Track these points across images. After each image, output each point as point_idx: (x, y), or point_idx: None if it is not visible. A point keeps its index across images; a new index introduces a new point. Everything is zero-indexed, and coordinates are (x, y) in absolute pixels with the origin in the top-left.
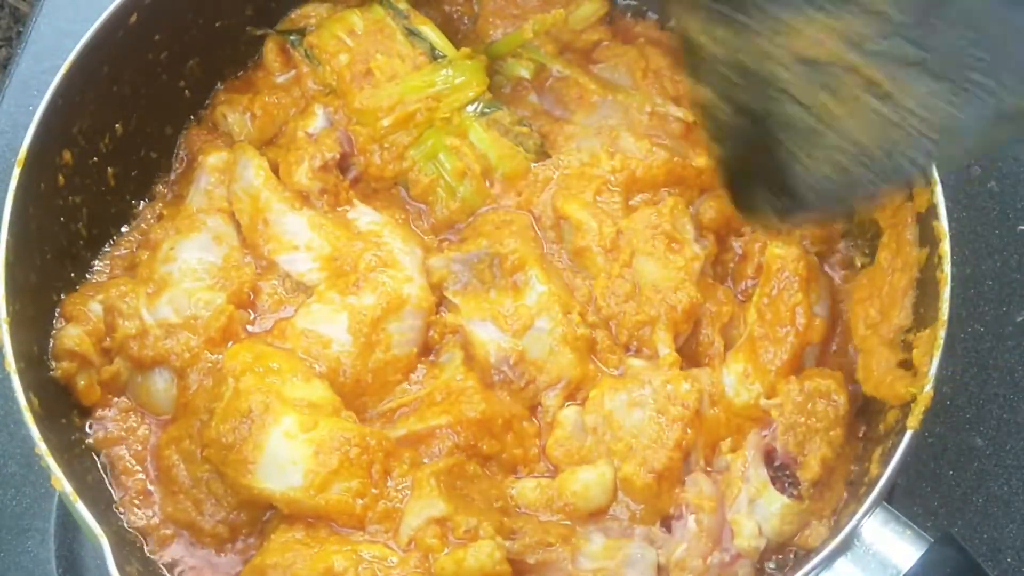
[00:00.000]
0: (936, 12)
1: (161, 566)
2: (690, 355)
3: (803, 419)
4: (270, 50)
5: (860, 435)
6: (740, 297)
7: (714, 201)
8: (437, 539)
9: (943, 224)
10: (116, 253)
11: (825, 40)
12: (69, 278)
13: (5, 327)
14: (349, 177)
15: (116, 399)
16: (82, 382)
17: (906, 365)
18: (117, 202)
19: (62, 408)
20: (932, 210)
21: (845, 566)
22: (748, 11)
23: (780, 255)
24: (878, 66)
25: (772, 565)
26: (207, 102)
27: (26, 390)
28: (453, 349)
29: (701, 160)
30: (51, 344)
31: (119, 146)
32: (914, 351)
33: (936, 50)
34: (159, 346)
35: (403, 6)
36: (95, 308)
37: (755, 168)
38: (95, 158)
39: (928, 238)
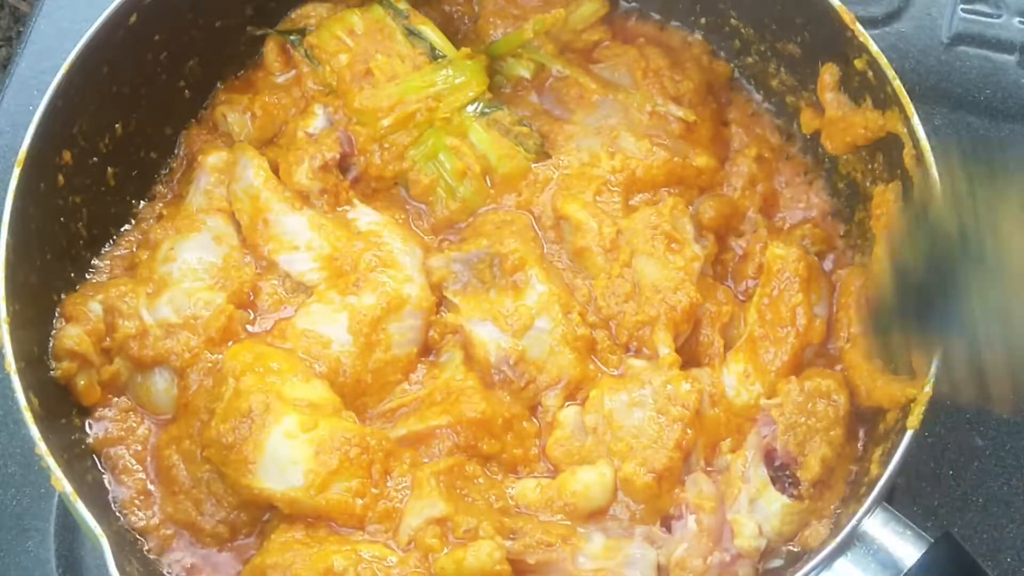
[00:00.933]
0: None
1: (161, 566)
2: (690, 355)
3: (803, 419)
4: (270, 50)
5: (860, 435)
6: (740, 297)
7: (714, 201)
8: (437, 539)
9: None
10: (116, 253)
11: None
12: (69, 278)
13: (5, 327)
14: (349, 177)
15: (116, 399)
16: (82, 382)
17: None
18: (117, 202)
19: (62, 408)
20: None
21: (845, 566)
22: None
23: (781, 255)
24: None
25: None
26: (207, 102)
27: (26, 390)
28: (453, 349)
29: (701, 160)
30: (51, 344)
31: (119, 146)
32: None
33: None
34: (159, 346)
35: (403, 6)
36: (95, 308)
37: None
38: (95, 158)
39: None
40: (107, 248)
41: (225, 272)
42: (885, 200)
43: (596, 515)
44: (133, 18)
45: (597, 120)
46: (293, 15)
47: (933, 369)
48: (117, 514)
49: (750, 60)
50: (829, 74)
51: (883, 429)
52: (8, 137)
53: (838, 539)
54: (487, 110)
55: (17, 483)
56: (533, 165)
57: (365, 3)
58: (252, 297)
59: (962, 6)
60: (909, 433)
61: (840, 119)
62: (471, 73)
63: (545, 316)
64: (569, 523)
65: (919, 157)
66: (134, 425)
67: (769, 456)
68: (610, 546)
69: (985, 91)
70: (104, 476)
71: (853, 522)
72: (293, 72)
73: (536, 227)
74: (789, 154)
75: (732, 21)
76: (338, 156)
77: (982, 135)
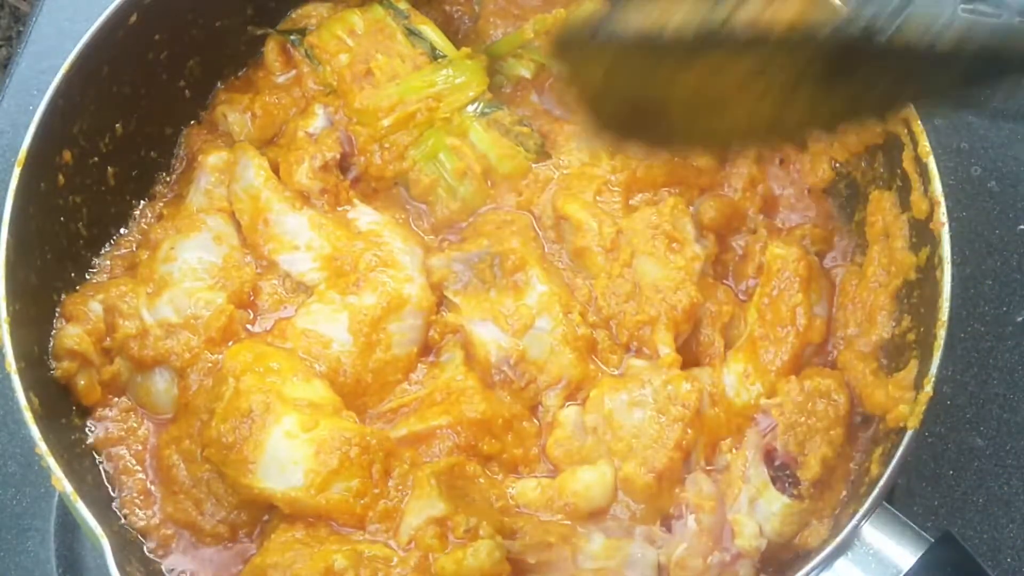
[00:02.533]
0: None
1: (161, 566)
2: (690, 355)
3: (803, 419)
4: (271, 50)
5: (860, 435)
6: (741, 297)
7: (714, 201)
8: (437, 539)
9: (943, 224)
10: (116, 253)
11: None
12: (69, 278)
13: (5, 327)
14: (349, 177)
15: (116, 399)
16: (82, 382)
17: (886, 369)
18: (117, 202)
19: (62, 408)
20: (932, 210)
21: (845, 566)
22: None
23: (781, 255)
24: None
25: None
26: (207, 102)
27: (26, 390)
28: (453, 349)
29: (701, 160)
30: (51, 344)
31: (119, 146)
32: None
33: None
34: (159, 346)
35: (403, 6)
36: (95, 308)
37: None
38: (95, 158)
39: (927, 239)
40: (107, 248)
41: (225, 272)
42: (880, 208)
43: (596, 515)
44: (133, 18)
45: None
46: (293, 15)
47: (933, 370)
48: (117, 514)
49: None
50: None
51: (883, 429)
52: (8, 137)
53: (838, 539)
54: (487, 110)
55: (17, 483)
56: (533, 165)
57: (366, 3)
58: (252, 297)
59: (962, 6)
60: (909, 433)
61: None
62: (471, 73)
63: (545, 316)
64: (569, 523)
65: (919, 158)
66: (134, 425)
67: (769, 456)
68: (610, 546)
69: (985, 91)
70: (104, 476)
71: (853, 522)
72: (293, 72)
73: (536, 227)
74: (789, 154)
75: None
76: (338, 156)
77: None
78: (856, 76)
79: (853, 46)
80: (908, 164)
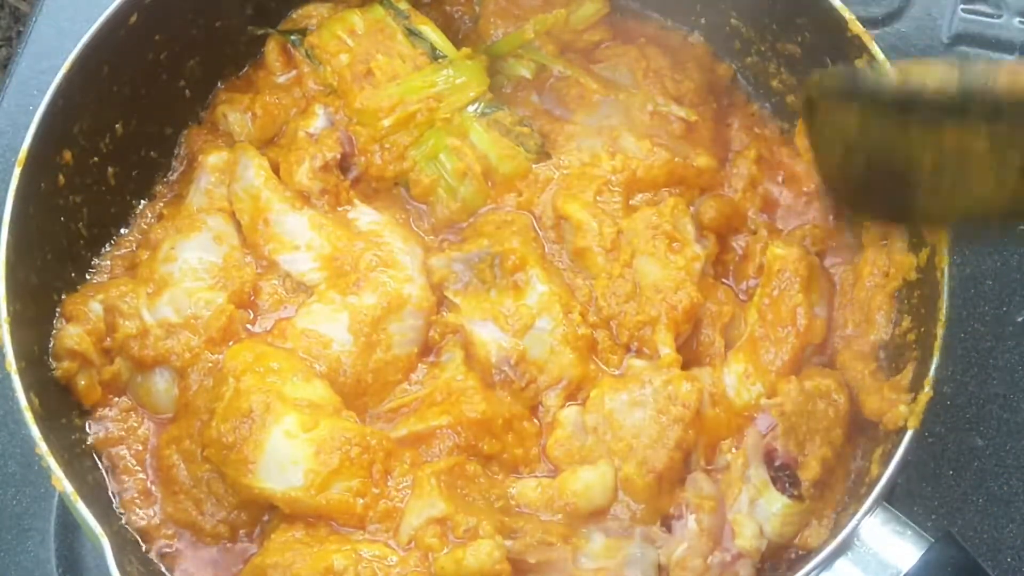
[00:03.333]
0: None
1: (161, 566)
2: (691, 355)
3: (803, 419)
4: (271, 50)
5: (860, 435)
6: (741, 297)
7: (715, 201)
8: (437, 538)
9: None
10: (116, 253)
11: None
12: (69, 278)
13: (5, 327)
14: (350, 177)
15: (117, 399)
16: (82, 382)
17: (886, 369)
18: (117, 202)
19: (62, 408)
20: None
21: (845, 566)
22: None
23: (781, 255)
24: None
25: None
26: (207, 102)
27: (26, 390)
28: (454, 349)
29: (702, 160)
30: (51, 344)
31: (119, 146)
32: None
33: None
34: (160, 346)
35: (404, 6)
36: (95, 308)
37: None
38: (95, 158)
39: (927, 238)
40: (107, 248)
41: (226, 272)
42: None
43: (597, 515)
44: (133, 18)
45: (598, 120)
46: (294, 15)
47: (932, 370)
48: (117, 514)
49: (750, 60)
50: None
51: (883, 429)
52: (8, 137)
53: (838, 539)
54: (488, 110)
55: (17, 483)
56: (534, 165)
57: (366, 3)
58: (252, 297)
59: (962, 6)
60: (909, 433)
61: None
62: (472, 73)
63: (546, 316)
64: (570, 523)
65: None
66: (135, 425)
67: (769, 456)
68: (610, 546)
69: None
70: (105, 476)
71: (853, 522)
72: (294, 72)
73: (537, 227)
74: (789, 155)
75: (732, 21)
76: (339, 156)
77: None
78: None
79: None
80: None
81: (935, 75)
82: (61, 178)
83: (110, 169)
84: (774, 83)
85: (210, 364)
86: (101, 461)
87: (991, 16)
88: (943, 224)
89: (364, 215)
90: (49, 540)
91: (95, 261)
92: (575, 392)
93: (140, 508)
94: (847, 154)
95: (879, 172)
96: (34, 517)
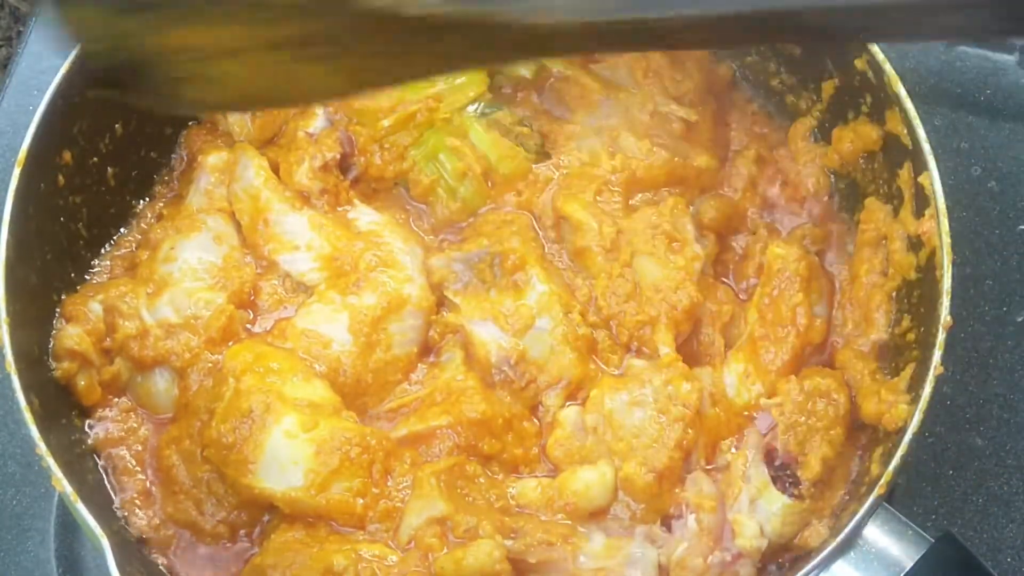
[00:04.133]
0: None
1: (161, 566)
2: (691, 355)
3: (803, 419)
4: None
5: (860, 435)
6: (741, 297)
7: (714, 201)
8: (437, 538)
9: (943, 224)
10: (116, 253)
11: None
12: (69, 278)
13: (5, 327)
14: (349, 177)
15: (116, 399)
16: (82, 382)
17: (886, 369)
18: (117, 202)
19: (62, 408)
20: (932, 208)
21: (845, 566)
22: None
23: (781, 255)
24: None
25: None
26: None
27: (26, 390)
28: (453, 349)
29: (702, 160)
30: (51, 344)
31: (119, 146)
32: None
33: None
34: (159, 346)
35: None
36: (95, 308)
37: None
38: (95, 158)
39: (927, 239)
40: (107, 248)
41: (225, 272)
42: (873, 216)
43: (597, 514)
44: None
45: (598, 120)
46: None
47: (931, 371)
48: (117, 514)
49: (750, 60)
50: (802, 124)
51: (883, 429)
52: (8, 137)
53: (838, 539)
54: (487, 110)
55: (17, 483)
56: (533, 165)
57: None
58: (252, 297)
59: None
60: (909, 433)
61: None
62: (471, 73)
63: (546, 316)
64: (570, 522)
65: (918, 157)
66: (135, 425)
67: (769, 456)
68: (611, 545)
69: (985, 91)
70: (105, 476)
71: (853, 522)
72: None
73: (536, 227)
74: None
75: None
76: (338, 156)
77: (981, 134)
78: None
79: None
80: (903, 183)
81: None
82: (61, 178)
83: (110, 169)
84: (774, 83)
85: (210, 364)
86: (101, 462)
87: None
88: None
89: (364, 215)
90: (49, 540)
91: (95, 261)
92: (575, 392)
93: (140, 508)
94: (106, 50)
95: (134, 66)
96: (34, 517)
